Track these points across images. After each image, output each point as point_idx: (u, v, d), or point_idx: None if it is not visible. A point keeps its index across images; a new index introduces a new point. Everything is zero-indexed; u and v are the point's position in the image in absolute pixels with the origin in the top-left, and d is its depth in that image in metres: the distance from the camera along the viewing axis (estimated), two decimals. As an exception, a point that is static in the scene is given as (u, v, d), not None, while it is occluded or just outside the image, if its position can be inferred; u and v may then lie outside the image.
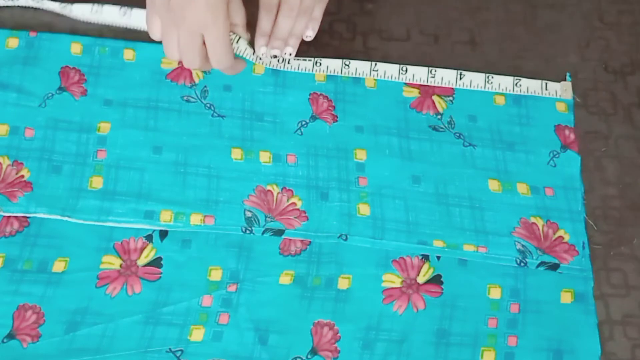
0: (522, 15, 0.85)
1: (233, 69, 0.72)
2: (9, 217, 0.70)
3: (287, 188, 0.73)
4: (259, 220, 0.71)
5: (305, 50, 0.80)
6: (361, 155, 0.75)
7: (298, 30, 0.76)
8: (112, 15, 0.79)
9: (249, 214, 0.71)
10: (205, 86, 0.77)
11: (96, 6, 0.79)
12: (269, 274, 0.70)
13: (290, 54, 0.77)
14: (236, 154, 0.74)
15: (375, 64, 0.79)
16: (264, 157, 0.74)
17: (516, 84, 0.79)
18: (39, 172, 0.71)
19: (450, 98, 0.79)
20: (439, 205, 0.73)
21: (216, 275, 0.69)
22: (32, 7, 0.79)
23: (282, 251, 0.71)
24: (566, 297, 0.71)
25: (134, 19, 0.78)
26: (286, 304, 0.68)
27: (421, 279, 0.70)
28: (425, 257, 0.71)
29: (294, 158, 0.74)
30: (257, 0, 0.76)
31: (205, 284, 0.69)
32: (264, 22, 0.76)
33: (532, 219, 0.73)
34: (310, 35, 0.77)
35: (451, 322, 0.69)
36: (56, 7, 0.79)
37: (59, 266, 0.68)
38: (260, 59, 0.77)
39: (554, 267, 0.71)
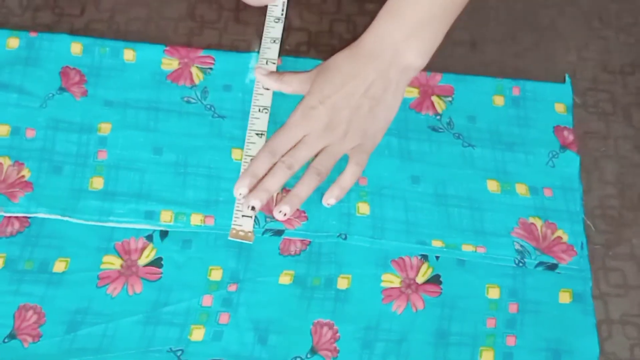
0: (522, 15, 0.85)
1: None
2: (10, 217, 0.70)
3: (287, 189, 0.73)
4: (259, 221, 0.71)
5: (305, 51, 0.80)
6: (361, 156, 0.75)
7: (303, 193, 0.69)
8: None
9: (249, 214, 0.71)
10: (205, 87, 0.77)
11: None
12: (268, 274, 0.70)
13: (285, 214, 0.69)
14: (236, 154, 0.74)
15: (375, 64, 0.79)
16: (264, 157, 0.74)
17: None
18: (40, 172, 0.71)
19: (450, 98, 0.79)
20: (438, 206, 0.73)
21: (216, 275, 0.70)
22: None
23: (282, 251, 0.71)
24: (564, 297, 0.71)
25: None
26: (286, 303, 0.69)
27: (420, 279, 0.71)
28: (424, 257, 0.71)
29: (294, 159, 0.74)
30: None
31: (206, 283, 0.69)
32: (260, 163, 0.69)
33: (531, 219, 0.73)
34: (285, 210, 0.68)
35: (450, 322, 0.69)
36: None
37: (59, 266, 0.69)
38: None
39: (553, 267, 0.72)
